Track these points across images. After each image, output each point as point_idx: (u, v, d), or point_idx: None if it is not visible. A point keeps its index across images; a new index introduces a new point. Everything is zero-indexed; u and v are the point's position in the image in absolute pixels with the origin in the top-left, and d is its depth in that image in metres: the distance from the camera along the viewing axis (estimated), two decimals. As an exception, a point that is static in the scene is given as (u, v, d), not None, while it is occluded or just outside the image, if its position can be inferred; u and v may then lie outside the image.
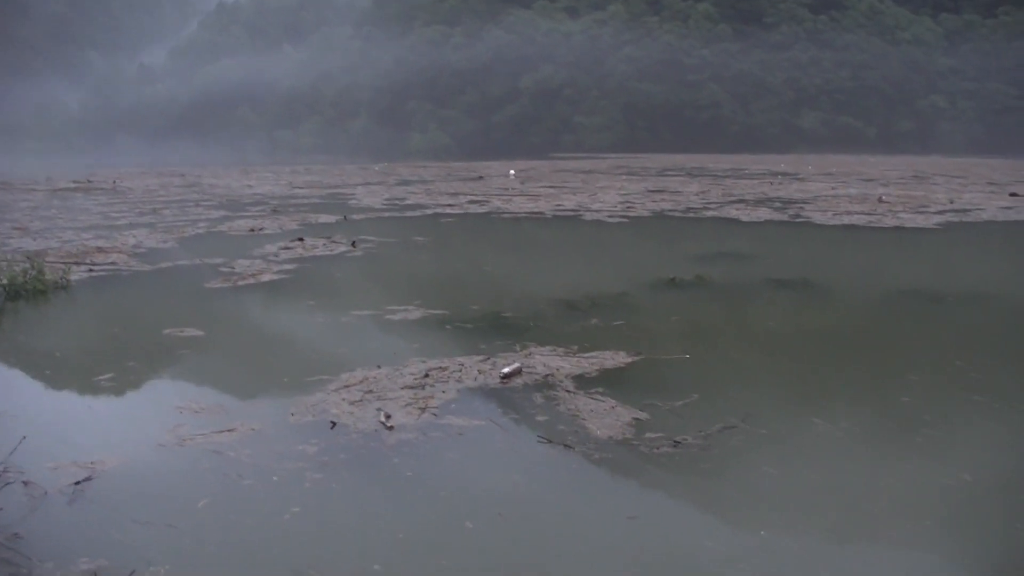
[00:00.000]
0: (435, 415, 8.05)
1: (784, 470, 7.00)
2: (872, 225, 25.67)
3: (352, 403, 8.40)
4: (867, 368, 10.54)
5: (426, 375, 9.24)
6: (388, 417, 7.90)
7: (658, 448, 7.30)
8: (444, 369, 9.49)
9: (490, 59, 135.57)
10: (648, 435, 7.58)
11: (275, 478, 6.73)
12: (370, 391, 8.76)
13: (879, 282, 16.63)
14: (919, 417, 8.27)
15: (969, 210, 30.45)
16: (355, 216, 28.45)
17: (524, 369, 9.42)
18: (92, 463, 6.99)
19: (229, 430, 7.76)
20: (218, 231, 24.19)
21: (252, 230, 24.06)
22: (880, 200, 33.94)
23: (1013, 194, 38.24)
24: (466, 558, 5.56)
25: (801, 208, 31.07)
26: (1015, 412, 8.62)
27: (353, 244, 20.55)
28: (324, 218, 27.63)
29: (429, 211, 30.13)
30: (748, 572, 5.40)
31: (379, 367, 9.64)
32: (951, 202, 33.59)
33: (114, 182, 48.54)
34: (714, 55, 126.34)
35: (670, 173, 58.15)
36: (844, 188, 42.20)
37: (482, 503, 6.33)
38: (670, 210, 30.44)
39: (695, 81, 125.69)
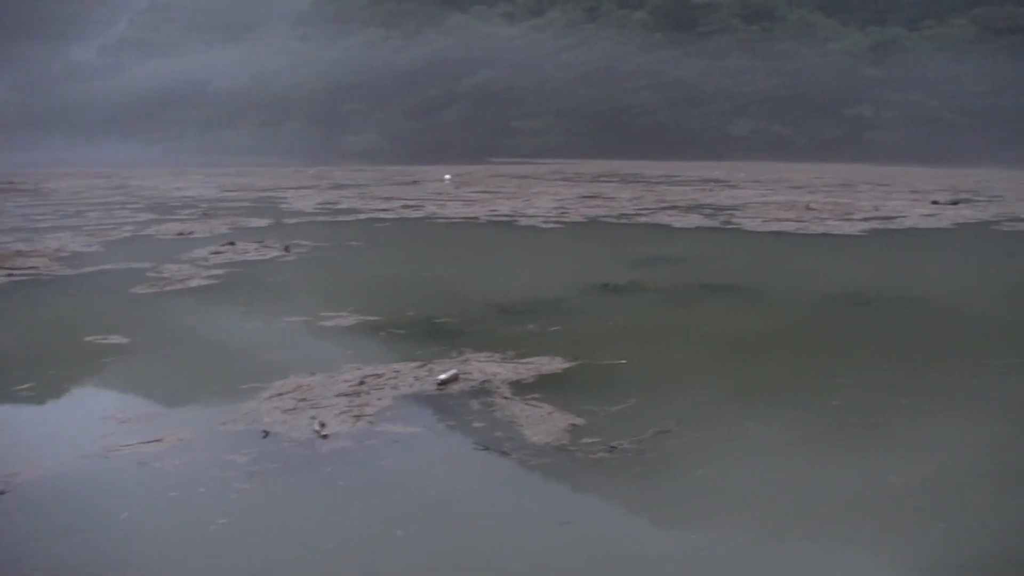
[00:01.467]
0: (370, 423, 7.97)
1: (717, 473, 7.08)
2: (800, 232, 26.17)
3: (285, 411, 8.28)
4: (798, 371, 10.75)
5: (361, 382, 9.14)
6: (322, 425, 7.80)
7: (594, 454, 7.33)
8: (380, 376, 9.40)
9: (428, 62, 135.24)
10: (584, 441, 7.60)
11: (202, 489, 6.59)
12: (304, 399, 8.64)
13: (808, 287, 16.96)
14: (848, 419, 8.44)
15: (893, 217, 31.22)
16: (288, 220, 28.12)
17: (461, 375, 9.39)
18: (7, 476, 6.76)
19: (156, 440, 7.58)
20: (145, 235, 23.70)
21: (181, 234, 23.62)
22: (808, 207, 34.63)
23: (934, 202, 39.33)
24: (396, 568, 5.51)
25: (732, 214, 31.54)
26: (940, 413, 8.85)
27: (286, 249, 20.29)
28: (256, 222, 27.23)
29: (363, 216, 29.88)
30: (680, 574, 5.45)
31: (313, 374, 9.52)
32: (876, 209, 34.41)
33: (37, 183, 47.26)
34: (650, 63, 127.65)
35: (605, 179, 58.58)
36: (774, 195, 42.95)
37: (416, 511, 6.28)
38: (604, 216, 30.65)
39: (631, 88, 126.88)
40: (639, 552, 5.74)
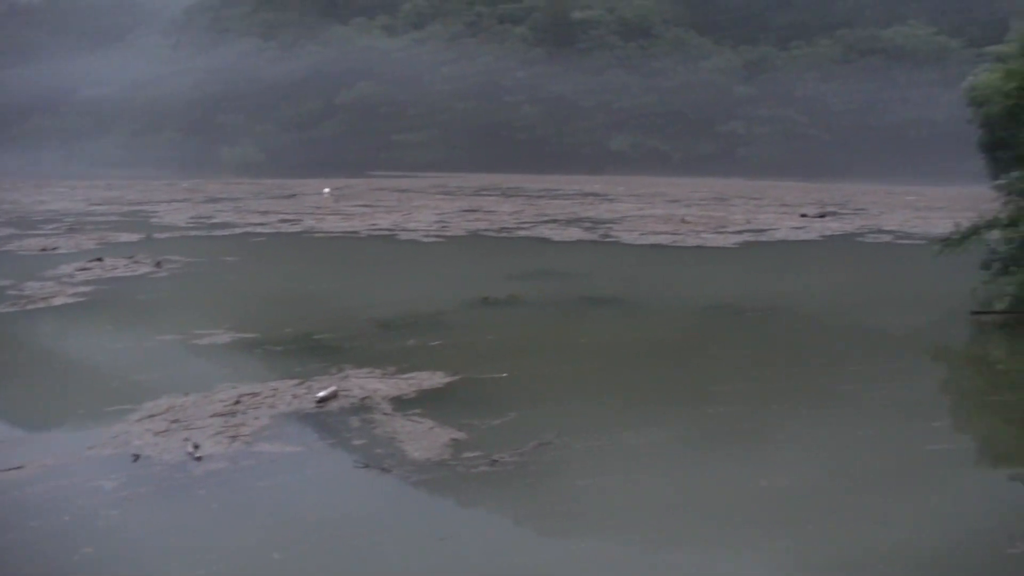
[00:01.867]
0: (247, 443, 7.79)
1: (595, 483, 7.19)
2: (677, 244, 26.86)
3: (157, 434, 8.00)
4: (675, 381, 11.04)
5: (237, 401, 8.93)
6: (196, 447, 7.57)
7: (475, 468, 7.34)
8: (256, 395, 9.20)
9: (306, 74, 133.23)
10: (465, 455, 7.61)
11: (67, 517, 6.31)
12: (176, 420, 8.38)
13: (684, 298, 17.41)
14: (723, 427, 8.71)
15: (765, 230, 32.38)
16: (160, 235, 27.22)
17: (340, 392, 9.28)
18: None
19: (17, 467, 7.22)
20: (5, 251, 22.60)
21: (44, 249, 22.60)
22: (684, 220, 35.58)
23: (803, 215, 40.98)
24: None
25: (610, 228, 32.12)
26: (809, 419, 9.23)
27: (158, 265, 19.64)
28: (126, 237, 26.27)
29: (239, 230, 29.16)
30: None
31: (186, 395, 9.24)
32: (748, 222, 35.62)
33: None
34: (530, 77, 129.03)
35: (486, 192, 58.87)
36: (651, 208, 43.97)
37: (292, 532, 6.17)
38: (485, 229, 30.79)
39: (512, 102, 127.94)
40: (518, 564, 5.78)
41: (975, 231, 16.59)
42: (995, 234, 16.86)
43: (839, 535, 6.38)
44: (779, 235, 30.78)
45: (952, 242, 16.76)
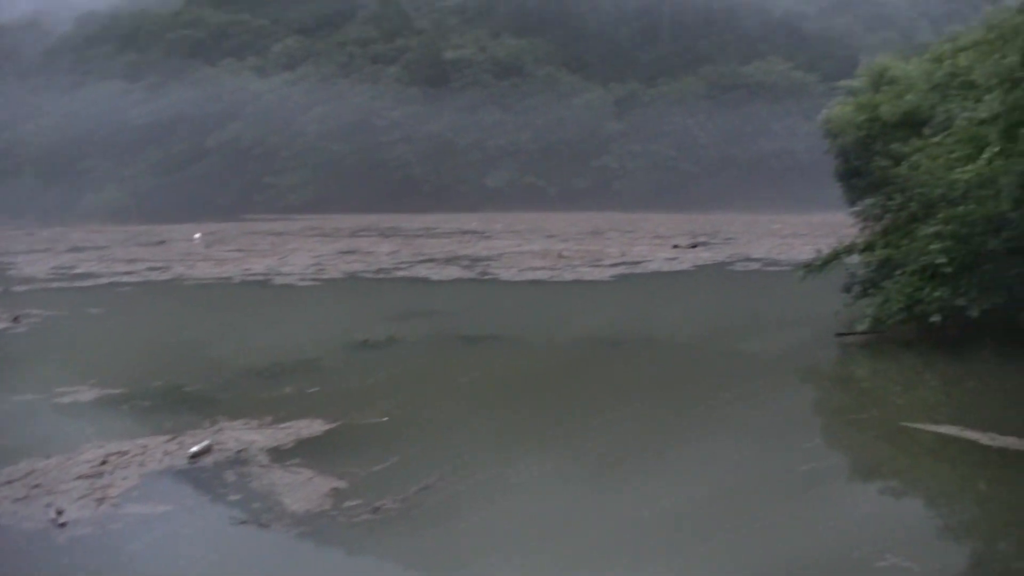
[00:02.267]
0: (115, 505, 7.44)
1: (479, 524, 7.17)
2: (554, 279, 27.18)
3: (16, 500, 7.57)
4: (556, 415, 11.10)
5: (104, 461, 8.52)
6: (59, 513, 7.19)
7: (357, 516, 7.21)
8: (125, 453, 8.80)
9: (174, 116, 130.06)
10: (347, 504, 7.47)
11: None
12: (37, 485, 7.94)
13: (562, 333, 17.63)
14: (604, 458, 8.82)
15: (639, 262, 33.13)
16: (17, 288, 25.95)
17: (214, 446, 8.97)
18: None
19: None
20: None
21: None
22: (560, 255, 36.10)
23: (675, 246, 42.18)
24: None
25: (488, 265, 32.30)
26: (687, 445, 9.45)
27: (15, 319, 18.69)
28: (-20, 291, 24.96)
29: (104, 280, 27.98)
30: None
31: (48, 457, 8.77)
32: (623, 255, 36.39)
33: None
34: (405, 117, 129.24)
35: (363, 233, 58.47)
36: (528, 244, 44.45)
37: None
38: (362, 271, 30.52)
39: (387, 142, 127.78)
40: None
41: (835, 256, 17.36)
42: (854, 258, 17.71)
43: (719, 557, 6.52)
44: (653, 266, 31.53)
45: (814, 267, 17.50)
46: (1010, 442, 8.86)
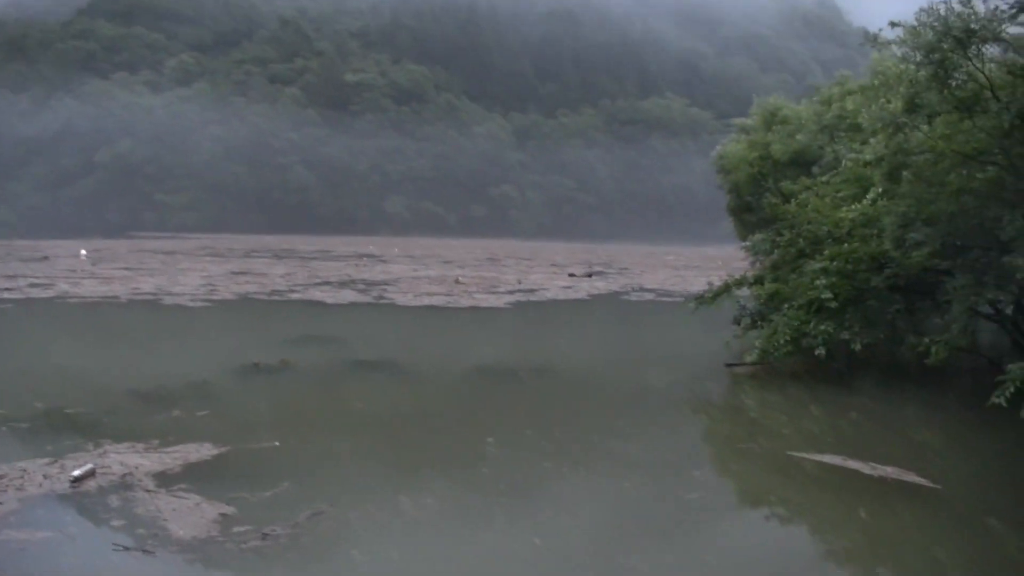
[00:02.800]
0: (-12, 532, 7.08)
1: (370, 551, 7.09)
2: (450, 305, 27.19)
3: None
4: (450, 443, 11.08)
5: (-22, 486, 8.11)
6: (-73, 539, 6.81)
7: (246, 543, 7.03)
8: (2, 477, 8.39)
9: (61, 129, 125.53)
10: (235, 530, 7.28)
11: None
12: (-96, 511, 7.50)
13: (458, 360, 17.61)
14: (497, 487, 8.83)
15: (535, 290, 33.43)
16: None
17: (98, 470, 8.63)
18: None
19: None
20: None
21: None
22: (457, 281, 36.16)
23: (571, 274, 42.76)
24: None
25: (384, 289, 32.10)
26: (579, 475, 9.52)
27: None
28: None
29: (-19, 297, 26.70)
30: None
31: (-84, 481, 8.30)
32: (519, 283, 36.67)
33: None
34: (302, 139, 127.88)
35: (257, 254, 57.42)
36: (425, 270, 44.37)
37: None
38: (255, 293, 29.94)
39: (284, 163, 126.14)
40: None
41: (726, 289, 17.86)
42: (744, 291, 18.25)
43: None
44: (549, 295, 31.86)
45: (706, 299, 17.97)
46: (889, 471, 9.24)
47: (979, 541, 7.81)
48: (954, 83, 12.58)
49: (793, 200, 17.96)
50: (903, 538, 7.88)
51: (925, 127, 13.39)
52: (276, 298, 28.58)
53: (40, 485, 8.22)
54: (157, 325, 22.62)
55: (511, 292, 32.01)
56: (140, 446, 9.68)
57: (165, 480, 8.50)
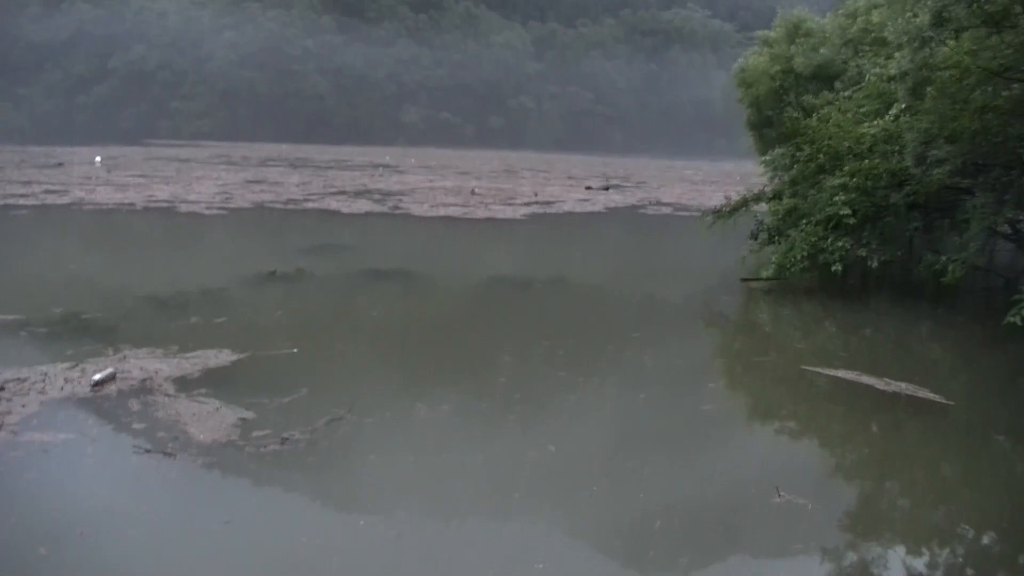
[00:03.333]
0: (14, 432, 7.22)
1: (387, 457, 7.20)
2: (466, 216, 27.13)
3: (-94, 426, 7.29)
4: (466, 352, 11.18)
5: (1, 388, 8.24)
6: (-47, 439, 6.96)
7: (265, 447, 7.16)
8: (23, 380, 8.52)
9: (74, 34, 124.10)
10: (255, 434, 7.41)
11: None
12: (-71, 410, 7.66)
13: (474, 270, 17.66)
14: (512, 395, 8.92)
15: (552, 202, 33.28)
16: (-95, 207, 24.70)
17: (118, 374, 8.76)
18: None
19: None
20: None
21: None
22: (473, 192, 36.02)
23: (588, 187, 42.48)
24: None
25: (400, 200, 32.03)
26: (594, 384, 9.62)
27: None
28: None
29: (-3, 202, 26.78)
30: (337, 563, 5.49)
31: (-60, 382, 8.45)
32: (535, 195, 36.49)
33: None
34: (318, 46, 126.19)
35: (272, 164, 57.21)
36: (441, 180, 44.16)
37: (62, 525, 5.77)
38: (270, 201, 29.94)
39: (299, 71, 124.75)
40: (300, 543, 5.69)
41: (743, 203, 17.73)
42: (761, 207, 18.12)
43: (624, 495, 6.70)
44: (566, 207, 31.72)
45: (723, 214, 17.86)
46: (903, 387, 9.28)
47: (987, 457, 7.89)
48: (983, -4, 12.24)
49: (814, 115, 17.71)
50: (912, 453, 7.96)
51: (951, 42, 13.09)
52: (291, 207, 28.58)
53: (61, 389, 8.36)
54: (173, 233, 22.71)
55: (527, 204, 31.88)
56: (159, 351, 9.81)
57: (184, 385, 8.63)
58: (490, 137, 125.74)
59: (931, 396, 9.02)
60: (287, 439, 7.31)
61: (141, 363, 9.28)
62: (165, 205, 27.44)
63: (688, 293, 15.90)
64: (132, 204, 27.37)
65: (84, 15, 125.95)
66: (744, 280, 16.48)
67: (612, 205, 33.67)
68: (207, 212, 25.95)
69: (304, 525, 6.06)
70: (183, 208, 26.74)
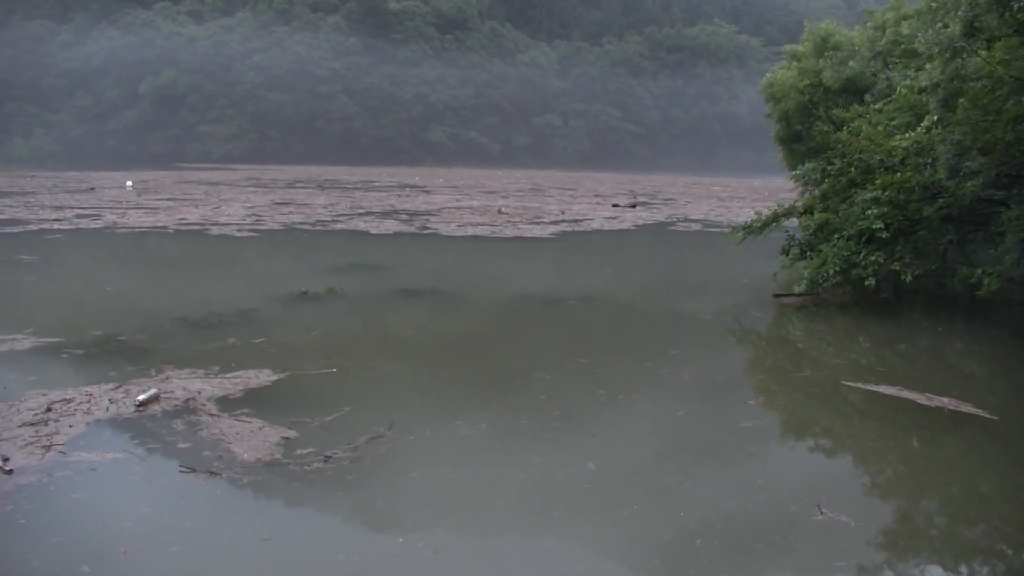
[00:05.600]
0: (62, 452, 7.35)
1: (427, 473, 7.26)
2: (494, 235, 27.25)
3: (-42, 448, 7.43)
4: (502, 369, 11.25)
5: (48, 409, 8.40)
6: (5, 460, 7.08)
7: (308, 465, 7.24)
8: (69, 401, 8.68)
9: (105, 60, 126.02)
10: (298, 452, 7.50)
11: None
12: (-21, 432, 7.80)
13: (505, 289, 17.74)
14: (550, 412, 8.96)
15: (580, 220, 33.35)
16: (-55, 234, 25.14)
17: (162, 395, 8.90)
18: None
19: None
20: None
21: None
22: (500, 212, 36.15)
23: (615, 205, 42.52)
24: None
25: (428, 220, 32.23)
26: (631, 402, 9.63)
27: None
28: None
29: (32, 227, 27.18)
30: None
31: (-11, 404, 8.61)
32: (563, 213, 36.58)
33: None
34: (345, 68, 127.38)
35: (301, 185, 57.73)
36: (468, 200, 44.37)
37: (106, 543, 5.86)
38: (300, 223, 30.23)
39: (326, 93, 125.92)
40: (339, 560, 5.75)
41: (774, 219, 17.71)
42: (792, 222, 18.08)
43: (663, 512, 6.71)
44: (594, 225, 31.78)
45: (754, 229, 17.83)
46: (946, 402, 9.23)
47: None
48: (1016, 5, 12.21)
49: (845, 128, 17.67)
50: (958, 468, 7.91)
51: (983, 52, 13.06)
52: (320, 228, 28.84)
53: (107, 409, 8.50)
54: (205, 254, 23.00)
55: (555, 223, 31.97)
56: (200, 372, 9.95)
57: (227, 405, 8.75)
58: (517, 155, 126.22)
59: (974, 411, 8.97)
60: (330, 457, 7.39)
61: (183, 383, 9.41)
62: (196, 227, 27.78)
63: (721, 309, 15.88)
64: (164, 227, 27.74)
65: (114, 41, 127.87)
66: (776, 296, 16.44)
67: (640, 222, 33.69)
68: (238, 234, 26.25)
69: (344, 541, 6.13)
70: (214, 230, 27.07)
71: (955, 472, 7.83)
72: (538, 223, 31.55)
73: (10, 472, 6.89)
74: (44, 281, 17.65)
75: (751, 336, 14.37)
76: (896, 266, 14.52)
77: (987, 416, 8.84)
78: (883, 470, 7.99)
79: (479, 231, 28.39)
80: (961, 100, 13.71)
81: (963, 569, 6.03)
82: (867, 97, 21.57)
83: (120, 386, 9.25)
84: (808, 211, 17.21)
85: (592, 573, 5.70)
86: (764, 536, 6.27)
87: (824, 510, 6.56)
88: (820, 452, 8.43)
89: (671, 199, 49.88)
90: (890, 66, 20.97)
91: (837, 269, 14.55)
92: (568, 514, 6.60)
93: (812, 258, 15.66)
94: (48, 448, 7.42)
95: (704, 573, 5.81)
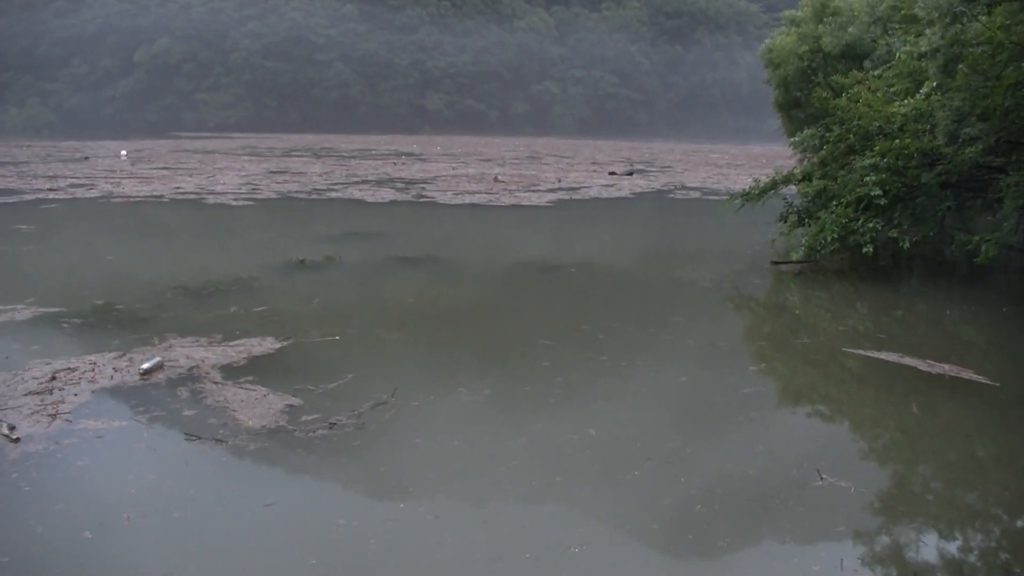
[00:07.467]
0: (68, 421, 7.40)
1: (430, 439, 7.33)
2: (491, 203, 27.23)
3: (-37, 417, 7.48)
4: (503, 336, 11.30)
5: (53, 378, 8.44)
6: (12, 428, 7.13)
7: (313, 431, 7.30)
8: (74, 370, 8.72)
9: (99, 28, 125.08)
10: (303, 419, 7.56)
11: None
12: (-15, 401, 7.85)
13: (502, 256, 17.78)
14: (552, 379, 9.02)
15: (577, 188, 33.30)
16: (-60, 203, 25.07)
17: (165, 363, 8.94)
18: None
19: None
20: None
21: None
22: (496, 180, 36.08)
23: (612, 173, 42.44)
24: (80, 571, 5.21)
25: (424, 188, 32.18)
26: (632, 367, 9.71)
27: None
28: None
29: (27, 196, 27.09)
30: (377, 545, 5.59)
31: (-7, 374, 8.65)
32: (560, 181, 36.51)
33: None
34: (341, 35, 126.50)
35: (296, 154, 57.49)
36: (465, 168, 44.25)
37: (110, 509, 5.90)
38: (295, 191, 30.18)
39: (323, 60, 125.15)
40: (339, 526, 5.79)
41: (772, 186, 17.71)
42: (790, 188, 18.09)
43: (665, 478, 6.77)
44: (591, 192, 31.75)
45: (751, 196, 17.83)
46: (946, 369, 9.31)
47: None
48: (1017, -30, 12.15)
49: (844, 94, 17.62)
50: (962, 433, 7.97)
51: (984, 17, 13.01)
52: (316, 196, 28.79)
53: (111, 377, 8.54)
54: (201, 224, 22.96)
55: (552, 190, 31.93)
56: (203, 340, 9.99)
57: (231, 372, 8.80)
58: (515, 123, 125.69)
59: (975, 377, 9.04)
60: (335, 424, 7.46)
61: (187, 352, 9.46)
62: (192, 197, 27.72)
63: (718, 277, 15.91)
64: (160, 196, 27.67)
65: (109, 9, 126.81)
66: (774, 263, 16.48)
67: (638, 190, 33.66)
68: (234, 203, 26.21)
69: (345, 507, 6.20)
70: (210, 199, 27.01)
71: (953, 438, 7.90)
72: (535, 191, 31.51)
73: (17, 440, 6.95)
74: (42, 251, 17.61)
75: (750, 303, 14.42)
76: (894, 233, 14.56)
77: (988, 383, 8.90)
78: (882, 436, 8.06)
79: (476, 199, 28.35)
80: (961, 66, 13.68)
81: (960, 533, 6.11)
82: (866, 63, 21.49)
83: (124, 355, 9.30)
84: (806, 178, 17.21)
85: (593, 538, 5.76)
86: (764, 501, 6.33)
87: (824, 475, 6.63)
88: (820, 418, 8.50)
89: (669, 167, 49.77)
90: (890, 31, 20.88)
91: (835, 236, 14.59)
92: (570, 480, 6.66)
93: (810, 225, 15.70)
94: (54, 416, 7.47)
95: (705, 538, 5.87)
